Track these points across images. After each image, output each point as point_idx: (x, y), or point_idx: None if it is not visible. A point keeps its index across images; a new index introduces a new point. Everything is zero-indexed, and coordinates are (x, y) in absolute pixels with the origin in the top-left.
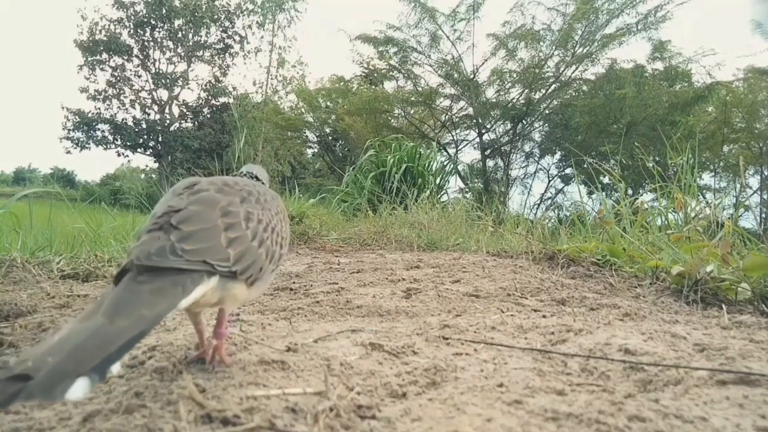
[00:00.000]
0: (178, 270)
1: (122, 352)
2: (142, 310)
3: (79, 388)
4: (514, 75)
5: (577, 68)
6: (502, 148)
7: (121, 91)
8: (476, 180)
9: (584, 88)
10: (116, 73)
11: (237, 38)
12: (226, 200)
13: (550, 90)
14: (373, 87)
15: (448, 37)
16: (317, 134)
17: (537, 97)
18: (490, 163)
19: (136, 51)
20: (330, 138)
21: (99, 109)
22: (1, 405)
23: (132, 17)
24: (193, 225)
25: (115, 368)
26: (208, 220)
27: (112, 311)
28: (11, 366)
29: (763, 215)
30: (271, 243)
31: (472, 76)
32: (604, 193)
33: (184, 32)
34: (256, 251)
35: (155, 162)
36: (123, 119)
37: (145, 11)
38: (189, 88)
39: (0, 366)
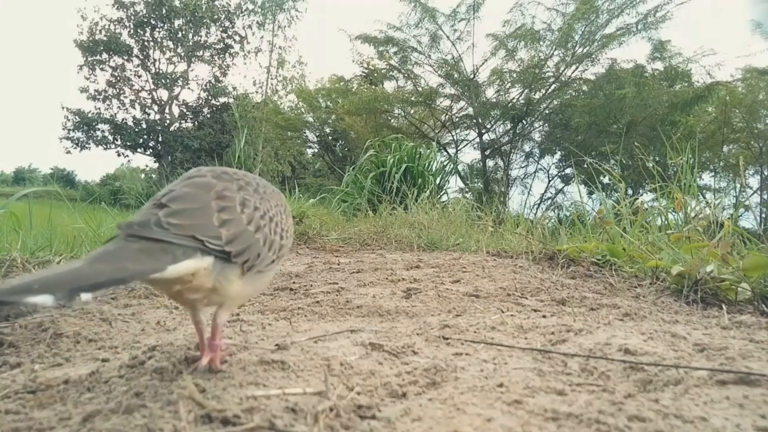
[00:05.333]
0: (170, 242)
1: (95, 288)
2: (126, 262)
3: (41, 299)
4: (514, 75)
5: (577, 68)
6: (502, 148)
7: (121, 91)
8: (476, 180)
9: (584, 88)
10: (116, 73)
11: (237, 38)
12: (221, 185)
13: (550, 90)
14: (373, 87)
15: (448, 37)
16: (317, 134)
17: (537, 97)
18: (490, 163)
19: (136, 51)
20: (330, 138)
21: (99, 109)
22: None
23: (132, 17)
24: (183, 203)
25: (85, 296)
26: (199, 200)
27: (94, 258)
28: None
29: (763, 215)
30: (270, 231)
31: (472, 76)
32: (604, 193)
33: (184, 32)
34: (252, 236)
35: (155, 162)
36: (123, 119)
37: (145, 11)
38: (189, 88)
39: None
